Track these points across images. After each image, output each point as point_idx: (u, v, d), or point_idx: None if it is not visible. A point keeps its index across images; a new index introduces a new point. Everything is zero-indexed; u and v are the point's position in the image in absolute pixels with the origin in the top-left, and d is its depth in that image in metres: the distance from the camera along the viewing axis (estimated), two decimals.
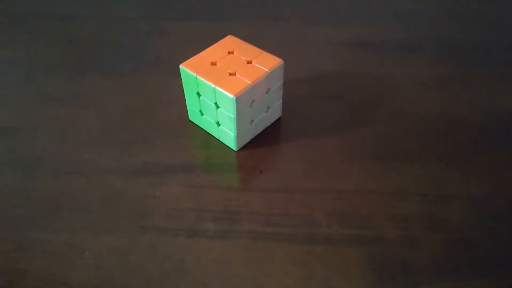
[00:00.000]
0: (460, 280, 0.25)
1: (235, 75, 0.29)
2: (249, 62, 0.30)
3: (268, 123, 0.33)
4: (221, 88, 0.28)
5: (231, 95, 0.28)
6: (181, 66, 0.30)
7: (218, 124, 0.31)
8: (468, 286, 0.25)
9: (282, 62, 0.30)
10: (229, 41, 0.32)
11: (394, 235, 0.27)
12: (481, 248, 0.26)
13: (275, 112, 0.33)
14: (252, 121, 0.31)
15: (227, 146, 0.32)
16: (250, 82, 0.29)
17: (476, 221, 0.27)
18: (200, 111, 0.32)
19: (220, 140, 0.32)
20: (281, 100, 0.33)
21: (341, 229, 0.27)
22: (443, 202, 0.28)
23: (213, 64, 0.30)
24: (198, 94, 0.31)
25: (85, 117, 0.34)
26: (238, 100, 0.28)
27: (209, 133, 0.33)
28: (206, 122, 0.32)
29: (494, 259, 0.26)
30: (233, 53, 0.31)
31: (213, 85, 0.29)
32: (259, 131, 0.33)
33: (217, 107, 0.30)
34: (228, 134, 0.31)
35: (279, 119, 0.34)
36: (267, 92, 0.31)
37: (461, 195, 0.29)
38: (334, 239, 0.26)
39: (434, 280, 0.25)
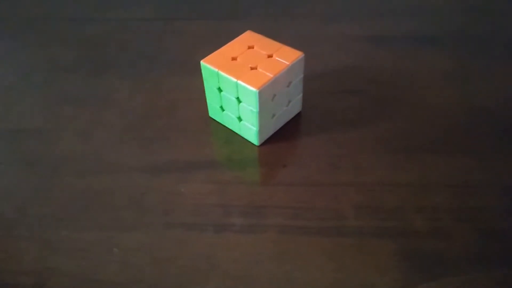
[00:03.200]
0: (492, 271, 0.24)
1: (256, 69, 0.29)
2: (270, 56, 0.30)
3: (289, 118, 0.33)
4: (244, 82, 0.28)
5: (254, 89, 0.28)
6: (202, 62, 0.30)
7: (239, 119, 0.31)
8: (500, 276, 0.24)
9: (303, 55, 0.30)
10: (248, 36, 0.32)
11: (423, 227, 0.26)
12: None
13: (295, 106, 0.33)
14: (274, 115, 0.31)
15: (249, 141, 0.32)
16: (272, 75, 0.28)
17: (506, 210, 0.27)
18: (221, 107, 0.32)
19: (242, 135, 0.32)
20: (301, 94, 0.33)
21: (369, 222, 0.27)
22: (472, 192, 0.28)
23: (234, 59, 0.30)
24: (219, 89, 0.31)
25: (106, 117, 0.34)
26: (261, 93, 0.28)
27: (230, 129, 0.33)
28: (227, 118, 0.32)
29: None
30: (253, 48, 0.31)
31: (235, 80, 0.28)
32: (280, 126, 0.33)
33: (239, 101, 0.30)
34: (250, 129, 0.31)
35: (299, 114, 0.34)
36: (288, 86, 0.31)
37: (489, 185, 0.28)
38: (363, 231, 0.26)
39: (466, 271, 0.24)
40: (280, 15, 0.45)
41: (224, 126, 0.33)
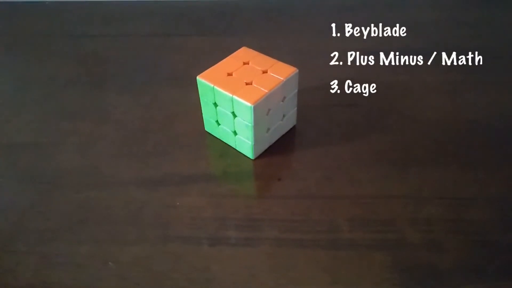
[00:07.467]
0: (486, 282, 0.25)
1: (251, 84, 0.30)
2: (265, 72, 0.31)
3: (284, 132, 0.34)
4: (239, 97, 0.29)
5: (249, 104, 0.28)
6: (198, 77, 0.31)
7: (235, 133, 0.31)
8: None
9: (297, 70, 0.31)
10: (244, 52, 0.33)
11: (417, 239, 0.27)
12: (506, 250, 0.26)
13: (290, 120, 0.34)
14: (269, 129, 0.32)
15: (244, 155, 0.32)
16: (266, 91, 0.29)
17: (499, 222, 0.27)
18: (217, 121, 0.32)
19: (237, 149, 0.32)
20: (296, 108, 0.34)
21: (364, 234, 0.27)
22: (464, 204, 0.28)
23: (229, 74, 0.31)
24: (215, 104, 0.31)
25: (104, 132, 0.35)
26: (256, 108, 0.29)
27: (225, 143, 0.33)
28: (222, 132, 0.33)
29: None
30: (248, 64, 0.32)
31: (230, 95, 0.29)
32: (275, 140, 0.33)
33: (234, 116, 0.30)
34: (245, 143, 0.31)
35: (294, 127, 0.35)
36: (282, 101, 0.31)
37: (481, 197, 0.29)
38: (357, 244, 0.26)
39: (460, 282, 0.25)
40: (275, 30, 0.45)
41: (220, 140, 0.33)
